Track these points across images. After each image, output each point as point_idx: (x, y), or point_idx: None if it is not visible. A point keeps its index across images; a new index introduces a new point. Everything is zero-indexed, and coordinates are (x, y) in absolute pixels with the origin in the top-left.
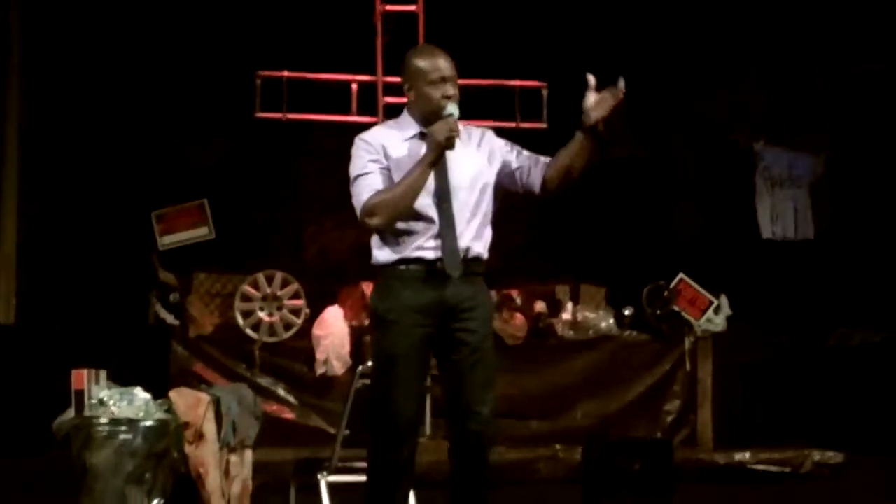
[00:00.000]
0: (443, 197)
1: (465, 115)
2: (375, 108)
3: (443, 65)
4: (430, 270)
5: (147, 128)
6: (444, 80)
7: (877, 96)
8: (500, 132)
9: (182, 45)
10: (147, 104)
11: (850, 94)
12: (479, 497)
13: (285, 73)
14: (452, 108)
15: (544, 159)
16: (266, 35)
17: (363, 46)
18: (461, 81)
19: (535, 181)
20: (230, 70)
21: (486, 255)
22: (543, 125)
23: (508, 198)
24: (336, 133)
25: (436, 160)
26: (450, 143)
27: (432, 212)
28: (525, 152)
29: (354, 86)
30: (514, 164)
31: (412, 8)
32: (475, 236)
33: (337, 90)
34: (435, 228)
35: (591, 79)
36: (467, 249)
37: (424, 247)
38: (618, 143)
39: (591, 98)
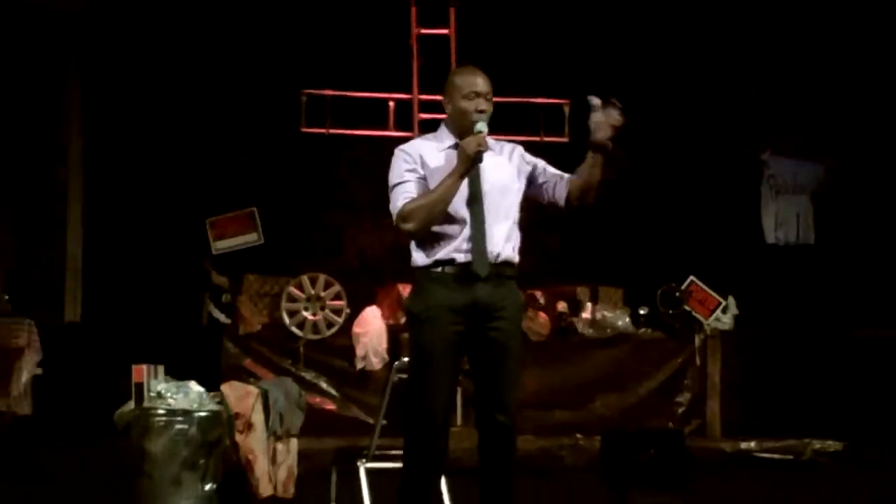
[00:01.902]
0: (474, 201)
1: (494, 129)
2: (411, 123)
3: (477, 81)
4: (462, 272)
5: (202, 141)
6: (476, 94)
7: (878, 108)
8: (525, 145)
9: (233, 66)
10: (202, 120)
11: (853, 106)
12: (506, 484)
13: (328, 92)
14: (482, 125)
15: (567, 176)
16: (310, 55)
17: (400, 66)
18: None
19: (561, 196)
20: (278, 87)
21: (516, 259)
22: (565, 139)
23: (534, 208)
24: (374, 146)
25: (466, 172)
26: (478, 157)
27: (464, 214)
28: (550, 169)
29: (392, 103)
30: (541, 179)
31: (445, 31)
32: (505, 240)
33: (375, 107)
34: (467, 231)
35: (594, 100)
36: (497, 254)
37: (457, 249)
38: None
39: (596, 117)
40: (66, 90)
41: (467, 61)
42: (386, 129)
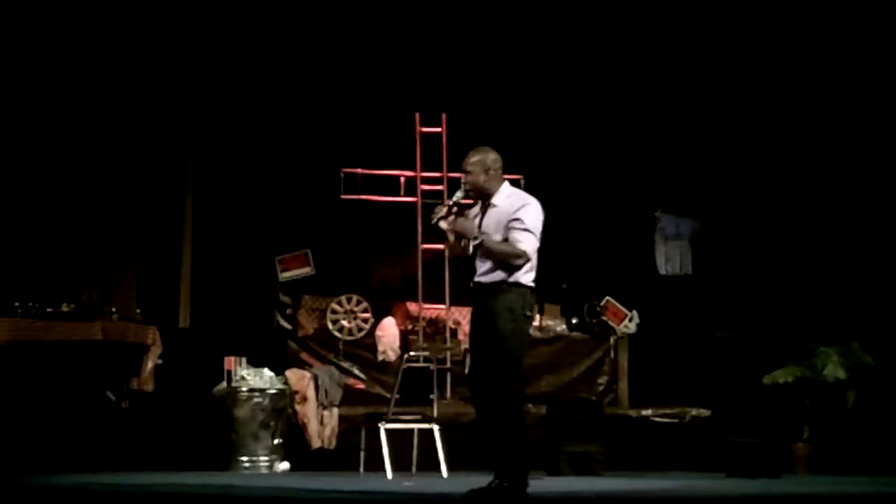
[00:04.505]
0: (476, 245)
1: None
2: (416, 192)
3: (465, 161)
4: (470, 289)
5: (274, 204)
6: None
7: (737, 179)
8: None
9: (295, 156)
10: (274, 190)
11: (718, 180)
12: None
13: (359, 170)
14: (456, 193)
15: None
16: (348, 144)
17: (408, 153)
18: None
19: None
20: (325, 168)
21: (497, 279)
22: None
23: None
24: (390, 208)
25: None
26: (433, 220)
27: (471, 253)
28: (511, 232)
29: (402, 178)
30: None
31: (439, 130)
32: (487, 271)
33: (391, 181)
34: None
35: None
36: (480, 279)
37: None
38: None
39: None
40: (186, 169)
41: (453, 148)
42: (398, 196)
